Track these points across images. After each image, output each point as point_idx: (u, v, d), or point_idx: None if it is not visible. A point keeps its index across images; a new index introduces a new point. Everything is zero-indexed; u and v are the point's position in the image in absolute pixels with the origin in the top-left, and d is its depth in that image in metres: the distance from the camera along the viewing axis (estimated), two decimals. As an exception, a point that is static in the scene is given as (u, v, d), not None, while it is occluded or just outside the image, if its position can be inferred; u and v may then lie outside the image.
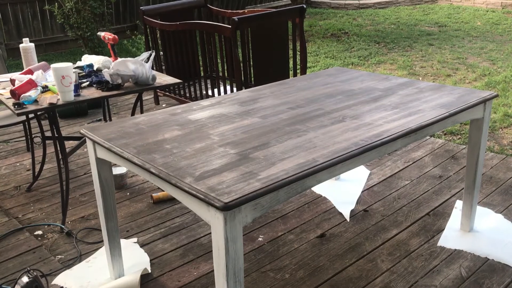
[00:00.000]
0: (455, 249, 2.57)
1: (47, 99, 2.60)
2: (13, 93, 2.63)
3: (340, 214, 2.95)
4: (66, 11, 6.44)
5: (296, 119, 2.11)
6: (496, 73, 5.69)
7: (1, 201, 3.23)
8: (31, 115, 3.34)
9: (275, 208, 3.02)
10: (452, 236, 2.68)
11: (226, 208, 1.44)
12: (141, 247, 2.69)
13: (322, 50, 7.11)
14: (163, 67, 4.87)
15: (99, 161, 2.13)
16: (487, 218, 2.83)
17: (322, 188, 3.23)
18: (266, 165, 1.67)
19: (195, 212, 1.59)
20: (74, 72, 2.65)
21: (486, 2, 9.91)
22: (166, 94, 4.90)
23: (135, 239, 2.76)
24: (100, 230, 2.83)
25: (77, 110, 4.76)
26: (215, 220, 1.50)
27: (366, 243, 2.67)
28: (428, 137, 3.98)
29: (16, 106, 2.55)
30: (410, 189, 3.20)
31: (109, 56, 3.34)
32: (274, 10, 3.96)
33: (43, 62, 3.08)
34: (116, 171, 3.31)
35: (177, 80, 2.95)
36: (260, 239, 2.73)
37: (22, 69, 3.13)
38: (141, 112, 3.45)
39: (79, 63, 3.19)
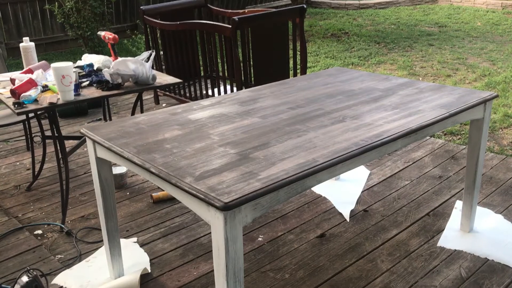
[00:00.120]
0: (455, 250, 2.57)
1: (47, 99, 2.60)
2: (13, 93, 2.63)
3: (340, 214, 2.95)
4: (66, 10, 6.44)
5: (296, 119, 2.11)
6: (496, 73, 5.69)
7: (1, 200, 3.23)
8: (31, 115, 3.34)
9: (275, 208, 3.02)
10: (452, 237, 2.68)
11: (226, 208, 1.44)
12: (141, 246, 2.69)
13: (322, 50, 7.11)
14: (163, 67, 4.87)
15: (99, 160, 2.13)
16: (487, 219, 2.83)
17: (322, 188, 3.23)
18: (266, 165, 1.67)
19: (195, 212, 1.59)
20: (74, 71, 2.65)
21: (486, 2, 9.91)
22: (166, 93, 4.90)
23: (135, 239, 2.76)
24: (100, 229, 2.83)
25: (77, 109, 4.76)
26: (215, 220, 1.50)
27: (366, 243, 2.66)
28: (428, 137, 3.99)
29: (16, 106, 2.55)
30: (410, 189, 3.20)
31: (109, 55, 3.34)
32: (275, 10, 3.96)
33: (43, 62, 3.08)
34: (116, 170, 3.31)
35: (177, 80, 2.95)
36: (260, 239, 2.73)
37: (22, 68, 3.13)
38: (141, 111, 3.45)
39: (79, 63, 3.18)
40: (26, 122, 3.55)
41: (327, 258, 2.55)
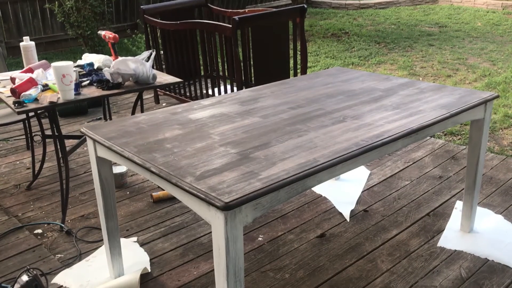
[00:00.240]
0: (455, 250, 2.57)
1: (47, 98, 2.60)
2: (14, 92, 2.63)
3: (340, 214, 2.95)
4: (67, 9, 6.44)
5: (296, 119, 2.11)
6: (496, 73, 5.69)
7: (0, 199, 3.23)
8: (31, 114, 3.34)
9: (275, 208, 3.02)
10: (452, 237, 2.68)
11: (227, 208, 1.44)
12: (141, 246, 2.69)
13: (322, 50, 7.10)
14: (164, 66, 4.87)
15: (99, 160, 2.13)
16: (487, 219, 2.83)
17: (322, 188, 3.23)
18: (266, 165, 1.67)
19: (195, 212, 1.59)
20: (74, 70, 2.65)
21: (487, 2, 9.91)
22: (166, 93, 4.90)
23: (135, 238, 2.76)
24: (100, 229, 2.83)
25: (77, 108, 4.76)
26: (215, 220, 1.50)
27: (366, 243, 2.66)
28: (428, 138, 3.98)
29: (16, 105, 2.55)
30: (410, 190, 3.20)
31: (110, 55, 3.33)
32: (275, 9, 3.95)
33: (43, 61, 3.08)
34: (116, 170, 3.30)
35: (178, 79, 2.95)
36: (260, 239, 2.73)
37: (22, 67, 3.12)
38: (142, 111, 3.45)
39: (79, 62, 3.18)
40: (26, 121, 3.55)
41: (327, 258, 2.55)
